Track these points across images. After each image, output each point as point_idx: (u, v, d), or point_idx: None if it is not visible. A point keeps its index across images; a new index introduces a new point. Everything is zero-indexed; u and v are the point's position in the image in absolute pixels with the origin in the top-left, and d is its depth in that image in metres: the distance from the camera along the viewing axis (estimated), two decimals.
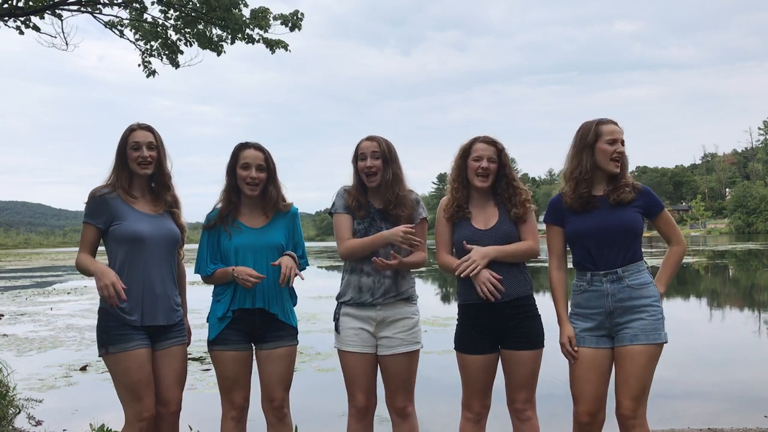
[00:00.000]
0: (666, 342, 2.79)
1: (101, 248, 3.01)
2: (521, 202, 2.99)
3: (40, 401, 5.60)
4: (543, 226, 3.16)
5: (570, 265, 3.05)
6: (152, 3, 7.67)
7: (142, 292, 2.88)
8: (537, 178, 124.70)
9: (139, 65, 8.29)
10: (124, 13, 7.95)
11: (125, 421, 2.87)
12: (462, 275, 2.86)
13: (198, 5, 7.61)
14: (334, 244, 3.18)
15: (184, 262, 3.25)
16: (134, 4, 7.71)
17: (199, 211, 3.32)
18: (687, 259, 26.04)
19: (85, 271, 2.87)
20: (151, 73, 8.35)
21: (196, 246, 3.17)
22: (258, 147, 3.11)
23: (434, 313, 10.47)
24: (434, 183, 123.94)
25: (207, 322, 3.11)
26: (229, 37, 7.87)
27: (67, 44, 7.55)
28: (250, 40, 7.84)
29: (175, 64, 8.21)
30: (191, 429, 4.05)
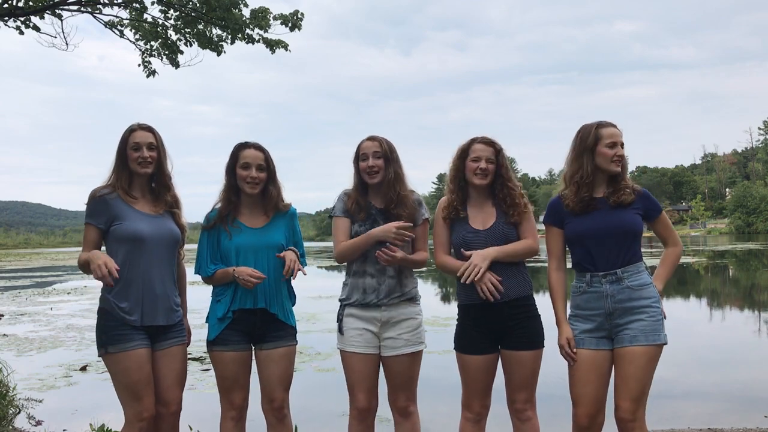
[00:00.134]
0: (666, 343, 2.78)
1: (102, 249, 3.01)
2: (517, 202, 3.00)
3: (40, 401, 5.59)
4: (543, 227, 3.16)
5: (570, 266, 3.05)
6: (152, 3, 7.69)
7: (142, 292, 2.88)
8: (537, 178, 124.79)
9: (139, 65, 8.31)
10: (124, 13, 7.96)
11: (125, 421, 2.87)
12: (467, 281, 2.86)
13: (198, 5, 7.61)
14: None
15: (184, 262, 3.25)
16: (134, 4, 7.71)
17: (199, 211, 3.31)
18: (687, 259, 26.06)
19: (84, 265, 2.86)
20: (151, 73, 8.36)
21: (196, 246, 3.17)
22: (258, 147, 3.11)
23: (434, 313, 10.46)
24: (434, 183, 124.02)
25: (206, 322, 3.10)
26: (229, 37, 7.87)
27: (67, 44, 7.56)
28: (250, 40, 7.85)
29: (175, 64, 8.21)
30: (191, 429, 4.05)
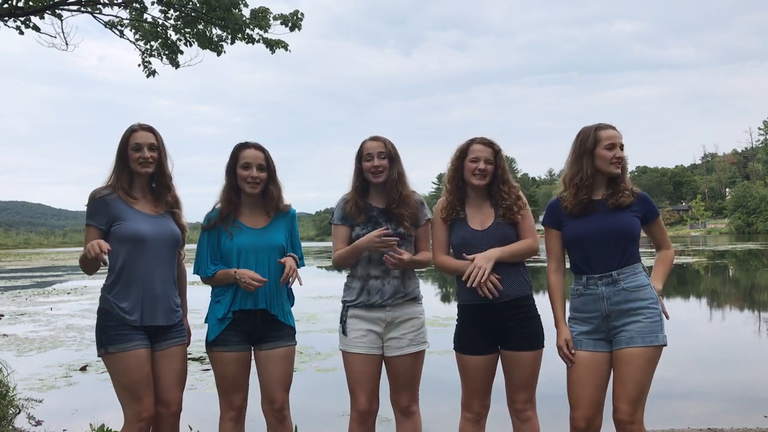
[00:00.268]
0: (665, 345, 2.77)
1: None
2: (515, 202, 3.00)
3: (40, 401, 5.59)
4: (543, 227, 3.16)
5: (568, 268, 3.06)
6: (152, 3, 7.68)
7: (142, 292, 2.88)
8: (537, 178, 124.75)
9: (139, 65, 8.30)
10: (124, 13, 7.96)
11: (124, 421, 2.87)
12: (474, 285, 2.85)
13: (198, 5, 7.61)
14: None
15: (185, 262, 3.25)
16: (134, 4, 7.71)
17: (199, 211, 3.31)
18: (687, 259, 26.08)
19: (83, 262, 2.85)
20: (151, 73, 8.35)
21: (195, 246, 3.17)
22: (258, 147, 3.11)
23: (434, 313, 10.45)
24: (434, 183, 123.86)
25: (206, 322, 3.10)
26: (229, 37, 7.87)
27: (67, 44, 7.55)
28: (250, 40, 7.84)
29: (175, 64, 8.21)
30: (191, 429, 4.05)
